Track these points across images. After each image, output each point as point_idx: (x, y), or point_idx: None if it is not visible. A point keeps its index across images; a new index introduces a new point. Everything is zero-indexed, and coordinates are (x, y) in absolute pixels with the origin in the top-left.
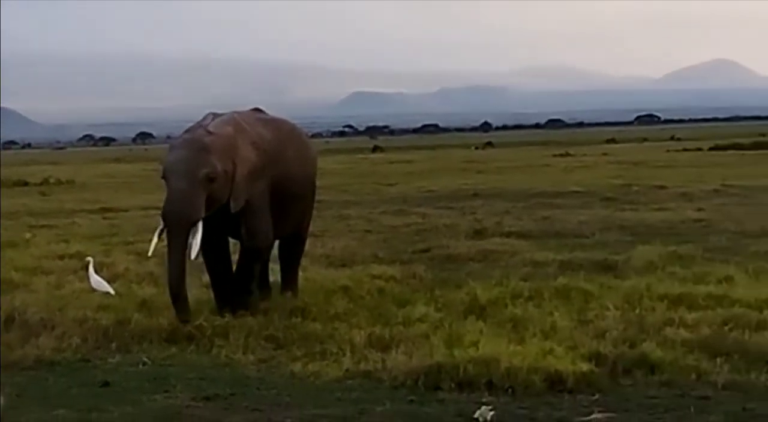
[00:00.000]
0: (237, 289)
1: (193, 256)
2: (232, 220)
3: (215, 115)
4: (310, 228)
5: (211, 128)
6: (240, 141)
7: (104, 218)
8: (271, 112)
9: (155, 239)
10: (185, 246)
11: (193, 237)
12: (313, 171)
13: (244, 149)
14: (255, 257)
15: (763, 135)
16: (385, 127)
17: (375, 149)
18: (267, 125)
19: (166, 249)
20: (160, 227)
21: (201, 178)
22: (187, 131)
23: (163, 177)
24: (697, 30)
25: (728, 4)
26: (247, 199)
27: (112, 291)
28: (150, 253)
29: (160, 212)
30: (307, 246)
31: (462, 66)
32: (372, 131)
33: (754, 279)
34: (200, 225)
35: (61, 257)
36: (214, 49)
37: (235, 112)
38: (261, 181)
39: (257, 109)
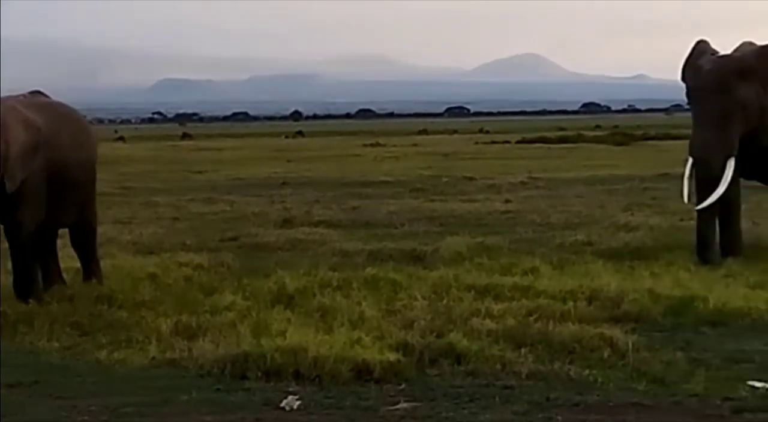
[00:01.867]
0: (16, 277)
1: None
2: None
3: None
4: (117, 216)
5: None
6: (10, 120)
7: None
8: (80, 98)
9: None
10: None
11: None
12: (93, 157)
13: (15, 128)
14: (19, 242)
15: (564, 129)
16: (195, 114)
17: (184, 136)
18: (42, 107)
19: None
20: None
21: None
22: None
23: None
24: (507, 24)
25: None
26: (23, 180)
27: None
28: None
29: None
30: (114, 233)
31: (273, 54)
32: (181, 118)
33: (559, 270)
34: None
35: None
36: (17, 31)
37: (11, 96)
38: (35, 161)
39: (37, 92)
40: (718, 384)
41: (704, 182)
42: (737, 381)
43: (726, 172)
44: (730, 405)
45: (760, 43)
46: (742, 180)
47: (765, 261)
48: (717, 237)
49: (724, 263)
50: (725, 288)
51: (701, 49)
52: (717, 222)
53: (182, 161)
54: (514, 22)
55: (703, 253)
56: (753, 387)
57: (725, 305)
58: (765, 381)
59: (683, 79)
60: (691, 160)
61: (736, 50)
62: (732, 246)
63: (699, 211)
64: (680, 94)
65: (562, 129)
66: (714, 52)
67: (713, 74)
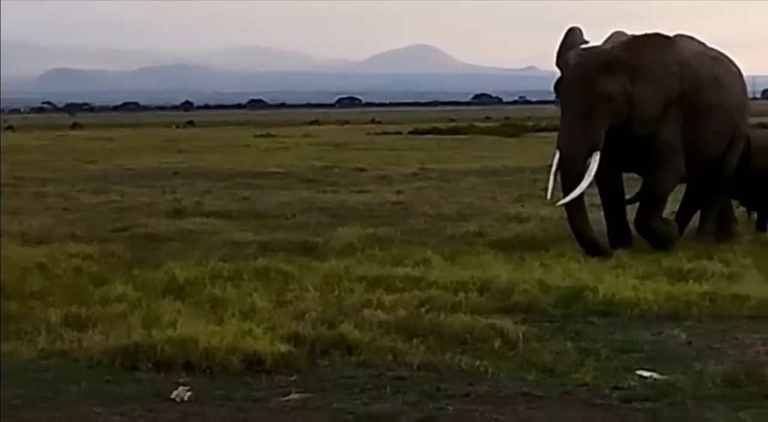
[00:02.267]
0: None
1: None
2: None
3: None
4: (6, 206)
5: None
6: None
7: None
8: None
9: None
10: None
11: None
12: None
13: None
14: None
15: (455, 120)
16: (85, 104)
17: (74, 126)
18: None
19: None
20: None
21: None
22: None
23: None
24: (400, 15)
25: None
26: None
27: None
28: None
29: None
30: (4, 224)
31: (164, 45)
32: (71, 108)
33: (450, 262)
34: None
35: None
36: None
37: None
38: None
39: None
40: (607, 373)
41: (569, 176)
42: (626, 370)
43: (590, 166)
44: (618, 394)
45: (631, 32)
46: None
47: (654, 252)
48: (607, 228)
49: (613, 254)
50: (614, 279)
51: (572, 39)
52: (586, 215)
53: (73, 151)
54: (406, 14)
55: (588, 249)
56: (641, 376)
57: (614, 296)
58: (653, 371)
59: (557, 66)
60: (557, 155)
61: (606, 41)
62: (621, 238)
63: (567, 208)
64: None
65: (452, 120)
66: (584, 42)
67: (578, 68)
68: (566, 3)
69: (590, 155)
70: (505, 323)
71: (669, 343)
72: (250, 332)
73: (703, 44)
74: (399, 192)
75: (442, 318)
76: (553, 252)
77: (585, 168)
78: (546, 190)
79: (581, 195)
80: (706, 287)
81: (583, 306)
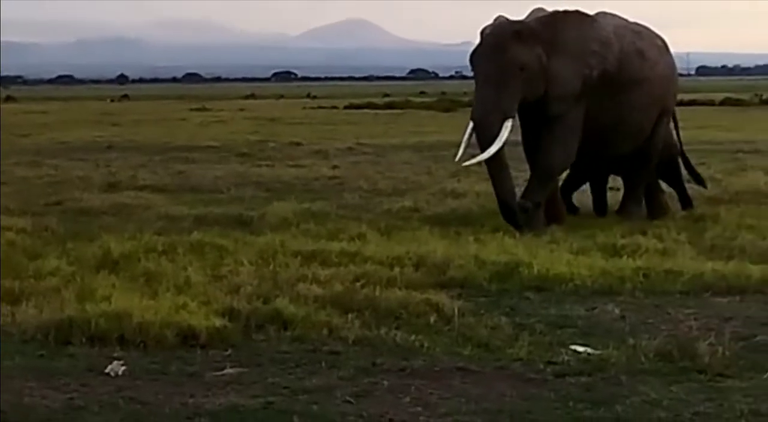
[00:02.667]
0: None
1: None
2: None
3: None
4: None
5: None
6: None
7: None
8: None
9: None
10: None
11: None
12: None
13: None
14: None
15: (389, 95)
16: (19, 77)
17: (8, 99)
18: None
19: None
20: None
21: None
22: None
23: None
24: None
25: None
26: None
27: None
28: None
29: None
30: None
31: (98, 17)
32: (4, 81)
33: (386, 237)
34: None
35: None
36: None
37: None
38: None
39: None
40: (541, 348)
41: (484, 142)
42: (560, 345)
43: (501, 132)
44: (552, 369)
45: (551, 8)
46: None
47: (588, 228)
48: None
49: (547, 230)
50: (549, 254)
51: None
52: (509, 182)
53: (6, 124)
54: None
55: (507, 217)
56: (575, 351)
57: (549, 271)
58: (587, 346)
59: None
60: (471, 123)
61: (527, 17)
62: (555, 214)
63: (490, 174)
64: None
65: (387, 95)
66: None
67: (491, 37)
68: None
69: (503, 122)
70: (441, 298)
71: (603, 318)
72: (184, 306)
73: (624, 20)
74: (334, 166)
75: (377, 293)
76: (489, 227)
77: (498, 133)
78: (456, 154)
79: (504, 162)
80: (639, 262)
81: (518, 282)
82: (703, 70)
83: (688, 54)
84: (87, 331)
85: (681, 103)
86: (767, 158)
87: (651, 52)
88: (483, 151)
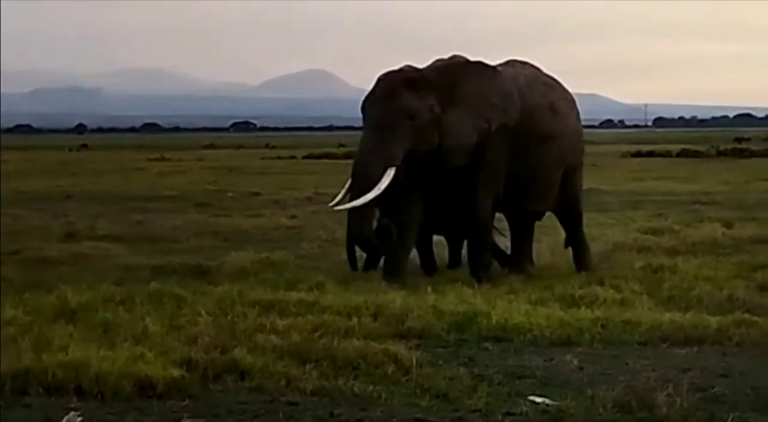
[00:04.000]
0: None
1: None
2: None
3: None
4: None
5: None
6: None
7: None
8: None
9: None
10: None
11: None
12: None
13: None
14: None
15: (344, 145)
16: None
17: None
18: None
19: None
20: None
21: None
22: None
23: None
24: (292, 40)
25: (320, 14)
26: None
27: None
28: None
29: None
30: None
31: (56, 66)
32: None
33: (344, 286)
34: None
35: None
36: None
37: None
38: None
39: None
40: (500, 399)
41: (358, 188)
42: (519, 396)
43: (382, 180)
44: (511, 419)
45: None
46: None
47: (546, 278)
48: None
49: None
50: (507, 305)
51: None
52: (369, 230)
53: None
54: (299, 39)
55: (350, 259)
56: (534, 402)
57: (507, 321)
58: (545, 397)
59: None
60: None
61: (429, 65)
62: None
63: (349, 217)
64: None
65: (342, 145)
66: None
67: (383, 83)
68: (448, 29)
69: (384, 170)
70: (399, 348)
71: (561, 369)
72: (142, 356)
73: (538, 70)
74: (293, 216)
75: (335, 343)
76: (447, 277)
77: (377, 181)
78: (335, 198)
79: (369, 209)
80: (597, 313)
81: (476, 332)
82: (660, 122)
83: (645, 105)
84: (44, 381)
85: (639, 155)
86: (724, 209)
87: (562, 106)
88: (358, 196)
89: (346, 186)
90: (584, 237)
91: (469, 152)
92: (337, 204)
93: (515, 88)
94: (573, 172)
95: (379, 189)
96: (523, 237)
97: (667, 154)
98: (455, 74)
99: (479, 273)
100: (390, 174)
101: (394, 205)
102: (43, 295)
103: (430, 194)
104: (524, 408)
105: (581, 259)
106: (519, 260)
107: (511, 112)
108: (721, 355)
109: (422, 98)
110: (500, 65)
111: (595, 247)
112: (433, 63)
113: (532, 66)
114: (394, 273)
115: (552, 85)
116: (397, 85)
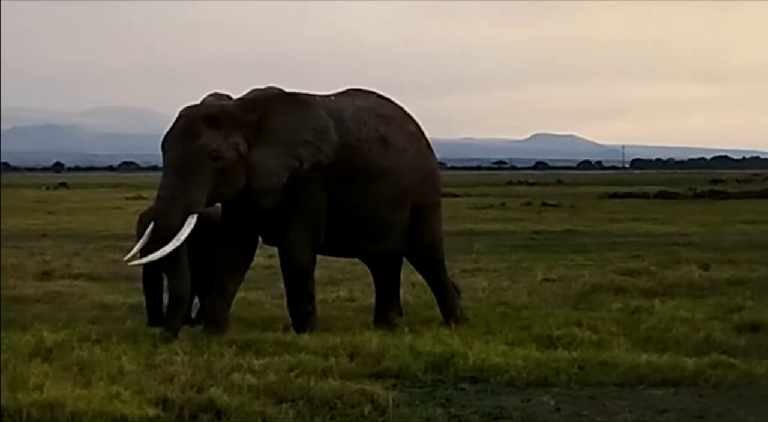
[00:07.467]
0: None
1: None
2: None
3: None
4: None
5: None
6: None
7: None
8: None
9: None
10: None
11: None
12: None
13: None
14: None
15: None
16: None
17: None
18: None
19: None
20: None
21: None
22: None
23: None
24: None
25: None
26: None
27: None
28: None
29: None
30: None
31: (34, 104)
32: None
33: (321, 326)
34: None
35: None
36: None
37: None
38: None
39: None
40: None
41: (160, 238)
42: None
43: (183, 228)
44: None
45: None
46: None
47: (523, 319)
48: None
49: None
50: (484, 345)
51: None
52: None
53: None
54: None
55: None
56: None
57: (484, 362)
58: None
59: None
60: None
61: (242, 96)
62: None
63: (145, 271)
64: None
65: None
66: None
67: (182, 120)
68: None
69: (186, 217)
70: (376, 388)
71: (538, 410)
72: (117, 395)
73: (376, 100)
74: (270, 256)
75: (312, 383)
76: (424, 317)
77: (178, 230)
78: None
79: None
80: (574, 354)
81: (453, 373)
82: (637, 163)
83: (623, 147)
84: (19, 420)
85: (616, 196)
86: (701, 251)
87: (398, 140)
88: (155, 244)
89: (146, 233)
90: (448, 286)
91: (280, 194)
92: (131, 258)
93: (334, 122)
94: (424, 212)
95: (179, 240)
96: (385, 284)
97: (644, 196)
98: (263, 108)
99: (299, 322)
100: (191, 222)
101: (211, 248)
102: (18, 334)
103: (251, 238)
104: None
105: (447, 308)
106: (379, 308)
107: (324, 149)
108: (698, 397)
109: (226, 136)
110: (336, 95)
111: (572, 288)
112: (246, 94)
113: (379, 96)
114: (214, 323)
115: (390, 117)
116: (198, 122)
